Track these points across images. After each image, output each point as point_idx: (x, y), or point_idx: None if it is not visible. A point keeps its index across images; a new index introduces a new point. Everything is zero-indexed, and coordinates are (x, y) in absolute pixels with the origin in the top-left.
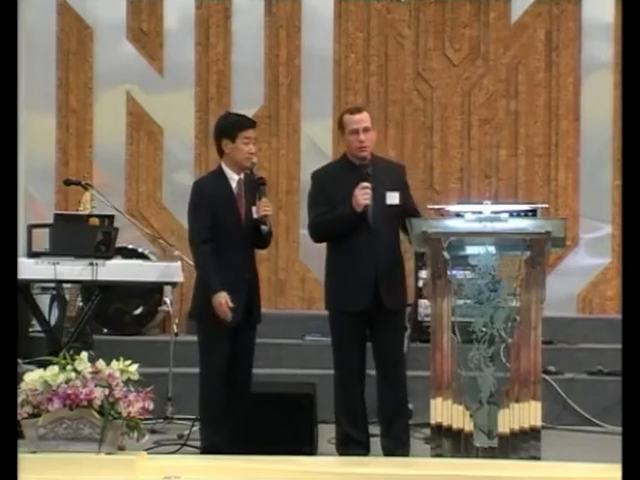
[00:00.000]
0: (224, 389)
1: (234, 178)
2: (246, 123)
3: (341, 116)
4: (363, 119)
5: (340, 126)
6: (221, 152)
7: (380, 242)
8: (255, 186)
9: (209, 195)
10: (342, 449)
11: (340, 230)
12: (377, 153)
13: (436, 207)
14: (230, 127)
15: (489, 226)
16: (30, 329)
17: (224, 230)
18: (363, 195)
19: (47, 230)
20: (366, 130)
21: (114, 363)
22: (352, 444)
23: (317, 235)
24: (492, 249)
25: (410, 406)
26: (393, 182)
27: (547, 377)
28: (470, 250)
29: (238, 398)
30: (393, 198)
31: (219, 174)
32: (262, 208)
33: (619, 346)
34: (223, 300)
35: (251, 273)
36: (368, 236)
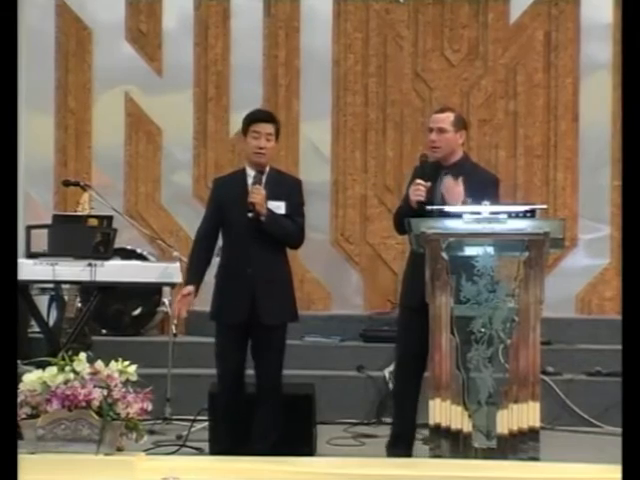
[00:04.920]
0: (236, 391)
1: (250, 174)
2: (255, 116)
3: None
4: (439, 119)
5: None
6: None
7: None
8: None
9: (219, 191)
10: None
11: (402, 224)
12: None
13: (435, 208)
14: (243, 122)
15: (488, 227)
16: (29, 330)
17: (231, 225)
18: (415, 192)
19: (46, 231)
20: (441, 131)
21: (113, 364)
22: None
23: (395, 226)
24: (491, 250)
25: None
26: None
27: (546, 378)
28: (469, 251)
29: (258, 402)
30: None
31: (240, 171)
32: (250, 195)
33: (618, 347)
34: (185, 291)
35: (258, 269)
36: None
